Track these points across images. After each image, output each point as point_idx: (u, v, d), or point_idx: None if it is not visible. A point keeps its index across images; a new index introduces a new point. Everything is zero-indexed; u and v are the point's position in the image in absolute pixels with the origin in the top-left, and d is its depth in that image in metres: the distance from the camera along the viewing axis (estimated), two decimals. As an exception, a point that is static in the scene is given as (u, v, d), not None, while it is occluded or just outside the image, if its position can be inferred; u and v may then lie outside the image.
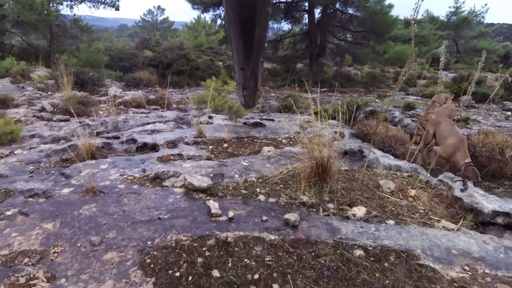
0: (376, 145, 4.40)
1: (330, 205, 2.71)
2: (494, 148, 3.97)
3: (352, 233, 2.32)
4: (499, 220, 2.61)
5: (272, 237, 2.23)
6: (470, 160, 3.31)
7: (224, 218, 2.42)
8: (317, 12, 16.16)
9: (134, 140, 4.08)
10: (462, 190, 2.93)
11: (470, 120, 8.00)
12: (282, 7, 15.72)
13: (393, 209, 2.73)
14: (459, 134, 3.53)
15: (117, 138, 4.19)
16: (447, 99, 7.41)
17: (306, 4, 15.65)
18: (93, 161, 3.39)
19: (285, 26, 17.53)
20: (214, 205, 2.50)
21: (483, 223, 2.66)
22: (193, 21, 26.62)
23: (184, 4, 15.41)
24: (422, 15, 32.22)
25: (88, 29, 15.44)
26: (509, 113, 10.17)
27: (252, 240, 2.19)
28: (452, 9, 31.28)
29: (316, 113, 4.09)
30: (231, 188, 2.91)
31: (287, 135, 4.68)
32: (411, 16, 2.45)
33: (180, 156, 3.64)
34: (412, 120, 7.69)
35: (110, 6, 16.85)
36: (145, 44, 18.75)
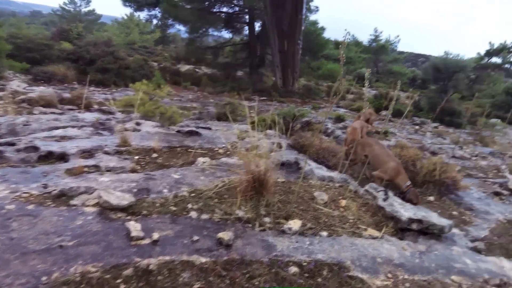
0: (311, 157, 4.42)
1: (267, 219, 2.57)
2: (408, 160, 4.37)
3: (287, 249, 2.25)
4: (414, 226, 2.89)
5: (203, 260, 1.96)
6: (410, 182, 3.56)
7: (147, 241, 2.03)
8: (257, 26, 16.49)
9: (35, 148, 3.36)
10: (384, 200, 3.20)
11: (389, 133, 8.77)
12: (223, 16, 15.63)
13: (326, 220, 2.78)
14: (394, 157, 3.80)
15: (13, 144, 3.41)
16: (371, 115, 7.93)
17: (247, 16, 15.82)
18: (-27, 175, 2.67)
19: (226, 34, 17.49)
20: (135, 227, 2.08)
21: (402, 229, 2.92)
22: (125, 17, 24.93)
23: None
24: (349, 39, 36.62)
25: (-12, 13, 13.13)
26: (417, 127, 11.78)
27: (179, 266, 1.88)
28: (373, 37, 37.27)
29: (254, 123, 3.94)
30: (158, 205, 2.51)
31: (224, 145, 4.39)
32: (342, 42, 2.84)
33: (96, 167, 3.09)
34: (342, 132, 8.08)
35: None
36: (64, 35, 16.66)
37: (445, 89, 15.47)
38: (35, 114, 5.43)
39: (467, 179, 5.14)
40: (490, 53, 31.32)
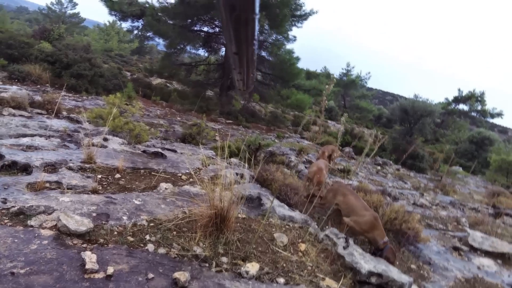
0: (273, 193, 4.52)
1: (224, 259, 2.59)
2: (371, 206, 4.40)
3: (243, 296, 2.21)
4: (373, 280, 2.85)
5: (156, 303, 1.95)
6: (387, 238, 3.45)
7: (101, 275, 2.05)
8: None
9: (0, 156, 3.32)
10: (344, 248, 3.15)
11: (351, 172, 9.09)
12: (203, 35, 15.96)
13: (284, 265, 2.76)
14: (370, 209, 3.70)
15: (-24, 149, 3.37)
16: (333, 151, 8.33)
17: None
18: None
19: (202, 53, 17.75)
20: (90, 258, 2.12)
21: (360, 282, 2.88)
22: (107, 24, 24.69)
23: (100, 5, 14.29)
24: (321, 70, 37.92)
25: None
26: (379, 167, 12.04)
27: (132, 309, 1.87)
28: (344, 71, 38.68)
29: (218, 148, 4.05)
30: (116, 233, 2.55)
31: (188, 171, 4.48)
32: (329, 80, 2.92)
33: (58, 184, 3.08)
34: (305, 166, 8.33)
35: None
36: (45, 34, 16.30)
37: (410, 132, 15.92)
38: (4, 115, 5.28)
39: (427, 230, 5.18)
40: (458, 100, 33.30)
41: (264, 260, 2.74)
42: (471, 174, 17.08)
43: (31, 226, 2.34)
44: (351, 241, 3.30)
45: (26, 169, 3.29)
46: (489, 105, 32.92)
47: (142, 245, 2.50)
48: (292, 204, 4.40)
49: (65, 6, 37.61)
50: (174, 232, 2.78)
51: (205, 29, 16.27)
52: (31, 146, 3.91)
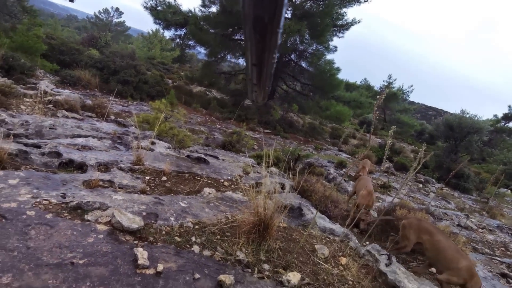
0: (313, 204, 4.47)
1: (266, 266, 2.59)
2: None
3: (285, 306, 2.19)
4: None
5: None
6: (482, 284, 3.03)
7: (151, 271, 2.10)
8: (274, 57, 17.03)
9: (58, 154, 3.53)
10: (387, 265, 3.03)
11: (391, 188, 8.77)
12: (243, 44, 16.21)
13: (325, 277, 2.71)
14: (461, 251, 3.14)
15: (38, 147, 3.60)
16: (371, 166, 8.05)
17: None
18: (0, 172, 2.82)
19: (242, 62, 18.04)
20: (142, 254, 2.18)
21: None
22: (150, 32, 25.95)
23: (145, 14, 15.16)
24: (361, 82, 36.89)
25: (32, 12, 13.94)
26: (420, 185, 11.45)
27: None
28: (385, 83, 36.97)
29: (259, 157, 4.05)
30: (164, 232, 2.61)
31: (229, 177, 4.53)
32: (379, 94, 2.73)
33: (111, 183, 3.23)
34: (344, 180, 8.12)
35: (66, -4, 15.74)
36: (93, 42, 17.51)
37: (455, 149, 15.00)
38: (58, 117, 5.66)
39: (473, 254, 4.93)
40: (508, 117, 31.13)
41: (305, 271, 2.72)
42: (521, 197, 15.87)
43: (88, 220, 2.45)
44: (394, 258, 3.19)
45: (81, 167, 3.49)
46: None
47: (188, 246, 2.55)
48: (333, 217, 4.33)
49: (111, 14, 40.27)
50: (218, 236, 2.82)
51: (246, 37, 16.53)
52: (85, 146, 4.14)
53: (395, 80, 36.91)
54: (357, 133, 19.69)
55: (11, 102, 5.90)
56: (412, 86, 36.55)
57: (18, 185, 2.67)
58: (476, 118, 15.99)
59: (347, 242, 3.52)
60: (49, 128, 4.44)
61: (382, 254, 3.23)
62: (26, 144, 3.59)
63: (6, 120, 4.47)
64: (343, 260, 3.07)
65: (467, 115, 16.61)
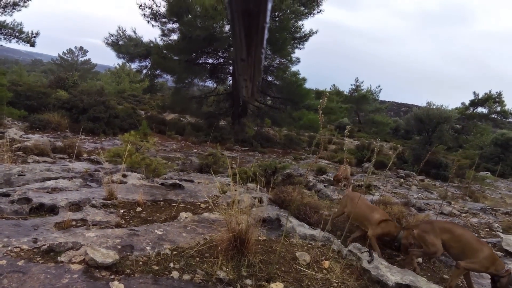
0: (292, 213, 4.54)
1: (248, 281, 2.62)
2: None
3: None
4: None
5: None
6: (507, 266, 3.08)
7: None
8: (240, 76, 17.42)
9: (28, 200, 3.51)
10: (369, 262, 3.10)
11: (372, 187, 8.96)
12: (208, 67, 16.53)
13: (309, 283, 2.75)
14: (480, 240, 3.25)
15: (7, 195, 3.56)
16: (348, 171, 8.25)
17: (231, 67, 16.77)
18: (-32, 226, 2.79)
19: (210, 84, 18.28)
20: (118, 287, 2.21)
21: None
22: (117, 66, 25.94)
23: (108, 49, 15.26)
24: (330, 88, 37.81)
25: (-6, 61, 13.72)
26: (402, 180, 11.73)
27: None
28: (354, 87, 38.19)
29: (235, 175, 4.14)
30: (141, 263, 2.64)
31: (206, 199, 4.57)
32: (323, 93, 2.82)
33: (83, 221, 3.23)
34: (324, 185, 8.26)
35: (25, 42, 15.63)
36: (60, 83, 17.33)
37: (429, 141, 15.32)
38: (29, 162, 5.60)
39: None
40: (475, 103, 32.49)
41: (288, 280, 2.75)
42: (501, 177, 16.38)
43: (61, 261, 2.45)
44: (375, 254, 3.26)
45: (53, 209, 3.47)
46: (509, 105, 31.90)
47: (167, 273, 2.57)
48: (313, 223, 4.39)
49: (76, 54, 40.03)
50: (197, 259, 2.85)
51: (210, 61, 16.94)
52: (56, 188, 4.12)
53: (362, 82, 38.35)
54: (334, 139, 20.10)
55: (-24, 154, 5.77)
56: (379, 86, 37.84)
57: (-14, 237, 2.65)
58: (442, 107, 16.60)
59: (329, 246, 3.57)
60: (18, 175, 4.39)
61: (363, 252, 3.29)
62: (-6, 195, 3.55)
63: (-28, 173, 4.39)
64: (326, 264, 3.12)
65: (434, 106, 17.23)
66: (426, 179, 12.88)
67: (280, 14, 14.72)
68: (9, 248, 2.51)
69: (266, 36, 0.64)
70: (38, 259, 2.45)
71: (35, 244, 2.64)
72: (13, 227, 2.90)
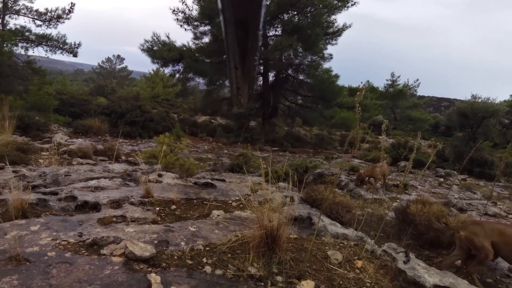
0: (323, 212, 4.50)
1: (279, 278, 2.65)
2: (431, 218, 4.06)
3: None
4: None
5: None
6: None
7: None
8: (271, 76, 17.44)
9: (74, 198, 3.79)
10: (405, 262, 3.01)
11: (408, 186, 8.61)
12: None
13: (341, 282, 2.72)
14: None
15: (55, 194, 3.87)
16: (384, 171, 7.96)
17: (261, 67, 16.85)
18: (23, 221, 3.06)
19: (241, 85, 18.42)
20: (155, 279, 2.34)
21: None
22: (152, 72, 26.98)
23: (144, 56, 15.96)
24: (364, 84, 36.14)
25: (41, 72, 14.88)
26: (441, 179, 11.13)
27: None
28: (389, 82, 35.67)
29: (267, 174, 4.16)
30: (175, 257, 2.77)
31: (237, 198, 4.67)
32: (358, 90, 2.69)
33: (123, 218, 3.44)
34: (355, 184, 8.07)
35: (69, 53, 16.70)
36: (100, 90, 18.45)
37: (473, 137, 14.16)
38: (74, 164, 6.02)
39: None
40: None
41: (319, 278, 2.74)
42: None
43: (104, 254, 2.64)
44: (412, 255, 3.15)
45: (95, 207, 3.72)
46: None
47: (200, 267, 2.67)
48: (345, 222, 4.32)
49: (114, 62, 42.34)
50: (229, 255, 2.93)
51: (240, 61, 17.07)
52: (98, 187, 4.41)
53: (398, 77, 35.58)
54: (368, 137, 19.50)
55: (30, 157, 6.29)
56: (418, 80, 35.35)
57: (39, 231, 2.90)
58: (489, 100, 15.33)
59: (362, 245, 3.51)
60: (64, 176, 4.74)
61: (399, 252, 3.20)
62: (44, 193, 3.87)
63: (26, 174, 4.80)
64: (359, 263, 3.07)
65: (479, 100, 15.94)
66: (469, 178, 12.08)
67: (312, 10, 14.49)
68: (57, 241, 2.74)
69: (260, 43, 0.66)
70: (83, 251, 2.66)
71: (80, 238, 2.86)
72: (61, 222, 3.16)
